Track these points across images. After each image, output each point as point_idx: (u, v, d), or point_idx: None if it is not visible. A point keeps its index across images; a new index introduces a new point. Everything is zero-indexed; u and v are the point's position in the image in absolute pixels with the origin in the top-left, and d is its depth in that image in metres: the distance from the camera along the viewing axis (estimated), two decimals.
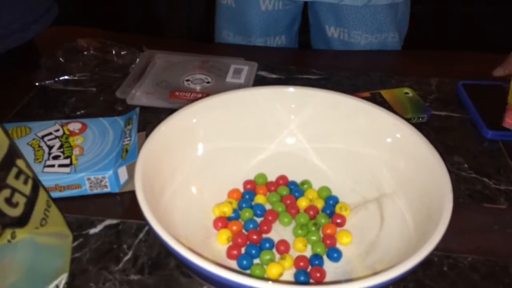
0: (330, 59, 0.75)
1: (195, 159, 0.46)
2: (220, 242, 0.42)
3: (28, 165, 0.36)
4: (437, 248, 0.34)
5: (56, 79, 0.64)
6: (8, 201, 0.32)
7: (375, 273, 0.31)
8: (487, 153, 0.55)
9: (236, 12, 0.82)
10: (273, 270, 0.39)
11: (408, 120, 0.52)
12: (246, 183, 0.48)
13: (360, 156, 0.47)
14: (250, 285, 0.29)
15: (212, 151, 0.47)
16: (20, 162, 0.34)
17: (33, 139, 0.49)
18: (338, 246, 0.42)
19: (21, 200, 0.33)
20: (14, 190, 0.33)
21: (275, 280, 0.39)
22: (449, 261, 0.42)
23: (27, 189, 0.34)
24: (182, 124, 0.45)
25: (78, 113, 0.59)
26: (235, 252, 0.41)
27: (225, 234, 0.42)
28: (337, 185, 0.47)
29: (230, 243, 0.42)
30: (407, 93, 0.62)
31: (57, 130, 0.51)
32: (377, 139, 0.46)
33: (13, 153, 0.33)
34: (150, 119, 0.58)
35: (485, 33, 1.73)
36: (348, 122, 0.47)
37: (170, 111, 0.45)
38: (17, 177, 0.33)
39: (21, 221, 0.33)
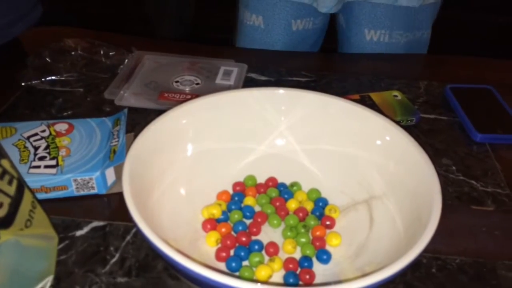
0: (319, 61, 0.75)
1: (184, 160, 0.46)
2: (209, 244, 0.42)
3: (13, 165, 0.35)
4: (426, 250, 0.34)
5: (43, 79, 0.63)
6: None
7: (364, 275, 0.31)
8: (474, 156, 0.55)
9: (264, 33, 0.81)
10: (262, 272, 0.39)
11: (397, 122, 0.52)
12: (236, 184, 0.47)
13: (350, 158, 0.47)
14: (239, 287, 0.29)
15: (201, 152, 0.46)
16: (4, 162, 0.34)
17: (19, 139, 0.49)
18: (328, 248, 0.42)
19: (5, 200, 0.32)
20: None
21: (264, 282, 0.38)
22: (437, 262, 0.43)
23: (11, 189, 0.33)
24: (171, 125, 0.44)
25: (65, 113, 0.59)
26: (224, 254, 0.40)
27: (214, 236, 0.42)
28: (326, 187, 0.47)
29: (219, 245, 0.42)
30: (396, 96, 0.62)
31: (43, 131, 0.50)
32: (367, 141, 0.46)
33: None
34: (139, 120, 0.58)
35: (473, 38, 1.76)
36: (337, 124, 0.47)
37: (159, 112, 0.45)
38: (1, 177, 0.32)
39: (5, 222, 0.32)
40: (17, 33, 0.65)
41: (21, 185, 0.34)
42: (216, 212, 0.44)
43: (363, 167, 0.46)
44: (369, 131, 0.45)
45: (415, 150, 0.41)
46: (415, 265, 0.42)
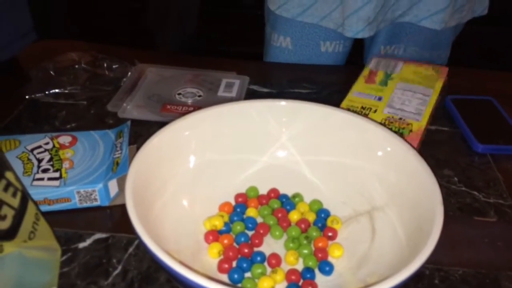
0: (321, 73, 0.76)
1: (187, 172, 0.46)
2: (211, 255, 0.42)
3: (17, 178, 0.35)
4: (428, 261, 0.34)
5: (47, 92, 0.64)
6: None
7: (367, 286, 0.31)
8: (476, 167, 0.55)
9: (291, 54, 0.81)
10: (264, 284, 0.39)
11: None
12: (238, 196, 0.48)
13: (351, 169, 0.47)
14: None
15: (203, 164, 0.47)
16: (9, 175, 0.34)
17: (23, 152, 0.49)
18: (330, 259, 0.42)
19: (9, 213, 0.32)
20: (2, 203, 0.32)
21: None
22: (440, 274, 0.42)
23: (15, 202, 0.33)
24: (173, 137, 0.45)
25: (69, 126, 0.59)
26: (226, 265, 0.40)
27: (216, 247, 0.42)
28: (328, 198, 0.47)
29: (221, 257, 0.42)
30: None
31: (47, 143, 0.50)
32: (368, 153, 0.46)
33: (2, 165, 0.33)
34: (141, 132, 0.58)
35: (472, 48, 1.76)
36: (339, 135, 0.47)
37: (162, 124, 0.45)
38: (5, 189, 0.33)
39: (9, 234, 0.32)
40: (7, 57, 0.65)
41: (25, 197, 0.35)
42: (218, 224, 0.44)
43: (365, 178, 0.46)
44: (370, 142, 0.46)
45: (417, 161, 0.42)
46: (418, 276, 0.42)
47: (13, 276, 0.33)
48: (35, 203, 0.37)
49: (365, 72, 0.66)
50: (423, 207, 0.39)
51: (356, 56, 0.90)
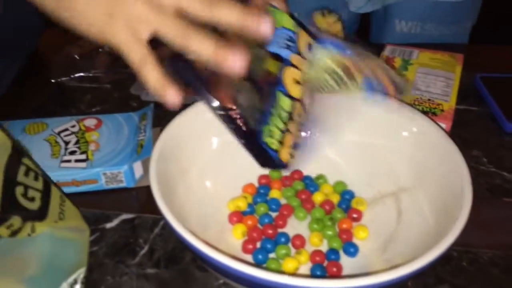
0: None
1: (210, 153, 0.46)
2: (236, 236, 0.42)
3: (35, 163, 0.36)
4: (456, 243, 0.33)
5: (72, 76, 0.65)
6: (25, 196, 0.32)
7: (393, 267, 0.31)
8: (506, 147, 0.54)
9: None
10: (289, 265, 0.39)
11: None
12: (261, 177, 0.48)
13: (377, 150, 0.46)
14: (268, 279, 0.29)
15: (226, 145, 0.47)
16: (26, 161, 0.35)
17: (50, 135, 0.50)
18: (355, 240, 0.42)
19: (36, 195, 0.33)
20: (27, 187, 0.33)
21: (291, 275, 0.38)
22: (468, 256, 0.42)
23: (39, 184, 0.34)
24: (196, 119, 0.45)
25: (94, 109, 0.60)
26: (250, 246, 0.41)
27: (240, 228, 0.42)
28: (352, 180, 0.47)
29: (245, 238, 0.42)
30: None
31: (73, 126, 0.51)
32: (394, 133, 0.45)
33: (19, 152, 0.34)
34: (164, 115, 0.58)
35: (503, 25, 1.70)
36: (364, 115, 0.46)
37: (184, 107, 0.45)
38: (26, 174, 0.33)
39: (40, 214, 0.33)
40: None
41: (47, 181, 0.35)
42: (242, 205, 0.44)
43: (391, 159, 0.45)
44: (397, 122, 0.45)
45: (444, 141, 0.41)
46: (445, 258, 0.41)
47: (45, 256, 0.34)
48: (58, 186, 0.37)
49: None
50: (451, 188, 0.38)
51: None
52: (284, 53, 0.39)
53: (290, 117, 0.38)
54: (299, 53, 0.40)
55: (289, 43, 0.39)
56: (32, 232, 0.32)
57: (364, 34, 0.87)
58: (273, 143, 0.36)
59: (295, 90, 0.39)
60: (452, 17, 0.76)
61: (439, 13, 0.75)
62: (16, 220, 0.31)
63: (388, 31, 0.80)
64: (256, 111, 0.36)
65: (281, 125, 0.37)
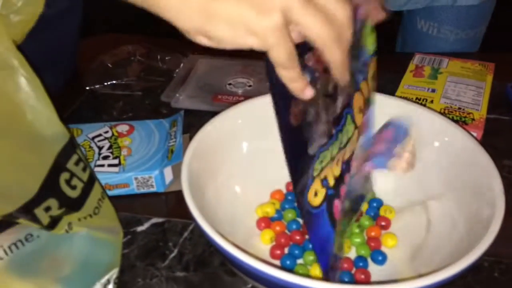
0: None
1: (239, 159, 0.46)
2: (264, 241, 0.42)
3: (85, 157, 0.37)
4: (488, 253, 0.33)
5: (105, 83, 0.67)
6: (68, 182, 0.34)
7: (422, 275, 0.31)
8: None
9: None
10: (316, 271, 0.39)
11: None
12: (289, 184, 0.48)
13: None
14: (300, 284, 0.29)
15: (256, 151, 0.47)
16: (79, 152, 0.36)
17: (84, 140, 0.52)
18: (383, 248, 0.42)
19: (78, 184, 0.35)
20: (73, 175, 0.34)
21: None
22: (500, 266, 0.41)
23: (85, 176, 0.36)
24: (227, 125, 0.46)
25: (125, 116, 0.62)
26: (278, 252, 0.41)
27: (268, 234, 0.43)
28: (381, 188, 0.47)
29: (273, 243, 0.42)
30: None
31: (106, 132, 0.53)
32: (425, 141, 0.45)
33: (75, 143, 0.35)
34: (194, 122, 0.59)
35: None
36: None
37: (213, 114, 0.46)
38: (77, 163, 0.35)
39: (77, 203, 0.34)
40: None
41: (92, 176, 0.37)
42: (270, 211, 0.45)
43: (421, 167, 0.45)
44: (427, 131, 0.45)
45: (476, 150, 0.40)
46: (476, 268, 0.40)
47: (81, 256, 0.35)
48: (101, 185, 0.39)
49: (411, 67, 0.64)
50: (483, 197, 0.38)
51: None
52: (358, 77, 0.38)
53: (345, 145, 0.37)
54: (366, 80, 0.39)
55: (363, 68, 0.39)
56: (69, 229, 0.33)
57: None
58: (316, 169, 0.34)
59: (358, 118, 0.38)
60: (469, 21, 0.76)
61: (455, 17, 0.75)
62: (53, 203, 0.32)
63: (411, 27, 0.81)
64: (321, 133, 0.35)
65: (335, 152, 0.36)
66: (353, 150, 0.39)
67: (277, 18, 0.29)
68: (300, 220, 0.45)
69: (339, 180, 0.37)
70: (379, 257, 0.40)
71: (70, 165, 0.34)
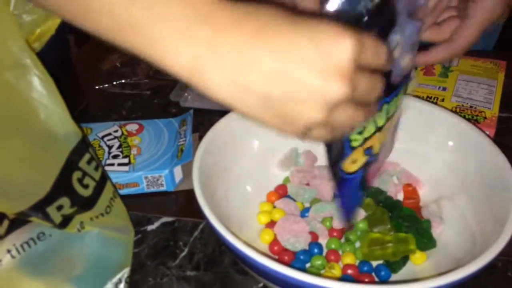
0: None
1: (250, 158, 0.46)
2: (263, 241, 0.42)
3: (97, 156, 0.37)
4: (501, 253, 0.32)
5: (114, 83, 0.67)
6: (80, 181, 0.34)
7: (435, 276, 0.30)
8: None
9: None
10: (333, 271, 0.39)
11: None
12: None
13: (419, 157, 0.46)
14: (316, 284, 0.29)
15: (267, 150, 0.47)
16: (92, 151, 0.36)
17: (94, 139, 0.52)
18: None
19: (91, 183, 0.35)
20: (85, 174, 0.34)
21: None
22: None
23: (97, 175, 0.36)
24: (237, 124, 0.45)
25: (134, 115, 0.62)
26: (276, 248, 0.41)
27: (268, 234, 0.42)
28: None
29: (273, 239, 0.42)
30: None
31: (116, 131, 0.53)
32: (438, 140, 0.45)
33: (87, 142, 0.35)
34: (203, 121, 0.59)
35: None
36: (408, 122, 0.46)
37: (222, 113, 0.46)
38: (89, 162, 0.35)
39: (89, 202, 0.34)
40: None
41: (105, 174, 0.37)
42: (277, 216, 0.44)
43: (433, 166, 0.44)
44: (440, 130, 0.44)
45: (491, 150, 0.40)
46: (489, 268, 0.40)
47: (93, 255, 0.35)
48: (113, 184, 0.39)
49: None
50: (497, 197, 0.37)
51: None
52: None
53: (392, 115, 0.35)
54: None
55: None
56: (81, 228, 0.33)
57: None
58: (355, 140, 0.33)
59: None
60: None
61: None
62: (65, 202, 0.32)
63: None
64: None
65: (381, 123, 0.34)
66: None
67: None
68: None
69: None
70: (382, 272, 0.39)
71: (83, 164, 0.34)
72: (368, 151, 0.35)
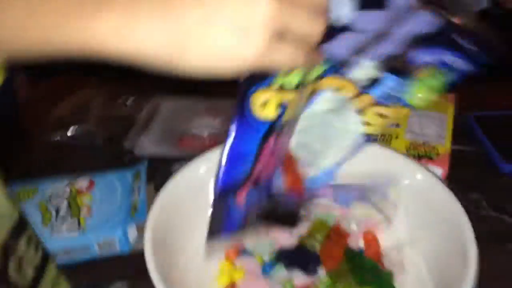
0: None
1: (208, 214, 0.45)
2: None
3: (36, 234, 0.35)
4: None
5: (63, 133, 0.64)
6: (18, 270, 0.31)
7: None
8: (505, 188, 0.53)
9: None
10: None
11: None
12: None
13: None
14: None
15: None
16: (29, 231, 0.33)
17: (40, 200, 0.49)
18: None
19: (30, 269, 0.32)
20: (22, 259, 0.32)
21: None
22: None
23: (37, 257, 0.33)
24: (192, 177, 0.44)
25: (86, 166, 0.59)
26: None
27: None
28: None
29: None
30: None
31: (64, 190, 0.50)
32: (390, 183, 0.45)
33: (24, 222, 0.33)
34: (159, 167, 0.57)
35: None
36: (360, 165, 0.46)
37: (178, 159, 0.44)
38: (28, 244, 0.32)
39: None
40: None
41: (46, 255, 0.34)
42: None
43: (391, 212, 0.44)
44: (391, 172, 0.44)
45: (444, 194, 0.40)
46: None
47: None
48: (55, 262, 0.36)
49: None
50: (452, 245, 0.37)
51: None
52: None
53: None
54: None
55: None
56: None
57: None
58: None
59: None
60: None
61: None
62: None
63: None
64: None
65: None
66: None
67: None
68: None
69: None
70: None
71: (20, 248, 0.31)
72: (282, 107, 0.32)
